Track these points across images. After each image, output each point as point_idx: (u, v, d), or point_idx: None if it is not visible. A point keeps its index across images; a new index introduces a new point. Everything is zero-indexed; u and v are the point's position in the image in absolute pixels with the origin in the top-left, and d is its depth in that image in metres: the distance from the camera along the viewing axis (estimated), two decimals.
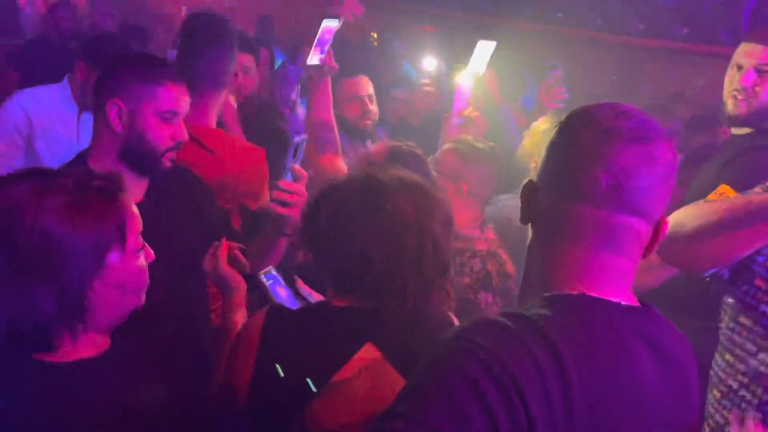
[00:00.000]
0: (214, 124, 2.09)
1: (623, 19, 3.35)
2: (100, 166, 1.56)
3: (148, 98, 1.54)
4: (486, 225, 2.13)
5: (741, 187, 1.70)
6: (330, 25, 2.22)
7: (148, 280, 1.20)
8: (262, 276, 1.50)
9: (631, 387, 0.84)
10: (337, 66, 2.32)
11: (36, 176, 1.08)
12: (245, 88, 2.70)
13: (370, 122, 2.83)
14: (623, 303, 0.89)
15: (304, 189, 1.57)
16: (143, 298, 1.20)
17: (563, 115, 0.99)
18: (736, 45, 2.05)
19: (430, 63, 3.59)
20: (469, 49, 2.86)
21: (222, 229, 1.81)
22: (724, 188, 1.78)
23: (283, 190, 1.57)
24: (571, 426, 0.79)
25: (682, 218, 1.37)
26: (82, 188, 1.08)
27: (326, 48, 2.25)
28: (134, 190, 1.58)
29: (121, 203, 1.13)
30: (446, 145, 2.19)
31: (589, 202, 0.88)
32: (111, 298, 1.13)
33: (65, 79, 2.74)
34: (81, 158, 1.64)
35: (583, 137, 0.90)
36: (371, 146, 2.06)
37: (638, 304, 0.92)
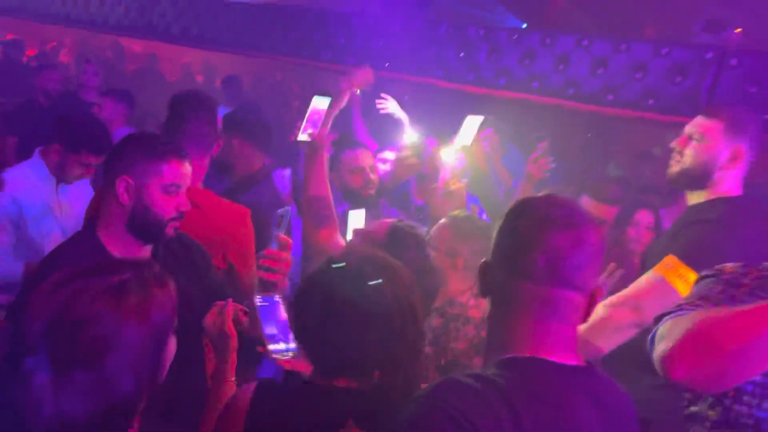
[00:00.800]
0: (200, 185, 2.28)
1: (594, 93, 3.59)
2: (108, 234, 1.70)
3: (154, 174, 1.72)
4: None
5: (686, 260, 1.87)
6: (320, 103, 2.38)
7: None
8: (259, 298, 1.59)
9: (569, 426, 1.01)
10: (328, 142, 2.48)
11: (99, 274, 1.19)
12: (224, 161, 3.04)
13: (372, 191, 3.00)
14: (568, 363, 1.08)
15: (288, 256, 1.72)
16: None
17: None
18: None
19: (410, 135, 3.81)
20: (450, 118, 3.07)
21: (220, 290, 1.94)
22: (670, 259, 1.94)
23: (268, 258, 1.72)
24: None
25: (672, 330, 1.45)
26: (143, 284, 1.20)
27: (318, 124, 2.40)
28: (134, 255, 1.74)
29: (172, 288, 1.26)
30: (441, 221, 2.34)
31: (531, 280, 1.09)
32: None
33: (37, 154, 2.88)
34: (91, 228, 1.77)
35: (523, 226, 1.10)
36: (372, 223, 2.18)
37: (583, 363, 1.11)
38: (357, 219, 2.56)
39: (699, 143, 2.14)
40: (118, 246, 1.77)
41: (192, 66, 10.12)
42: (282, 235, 1.75)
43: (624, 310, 1.97)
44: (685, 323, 1.28)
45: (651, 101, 3.40)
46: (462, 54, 4.12)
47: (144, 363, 1.15)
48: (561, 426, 1.02)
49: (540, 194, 1.24)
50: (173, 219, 1.78)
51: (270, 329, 1.57)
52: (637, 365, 1.80)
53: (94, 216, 1.81)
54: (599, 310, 2.03)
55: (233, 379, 1.61)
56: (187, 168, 1.78)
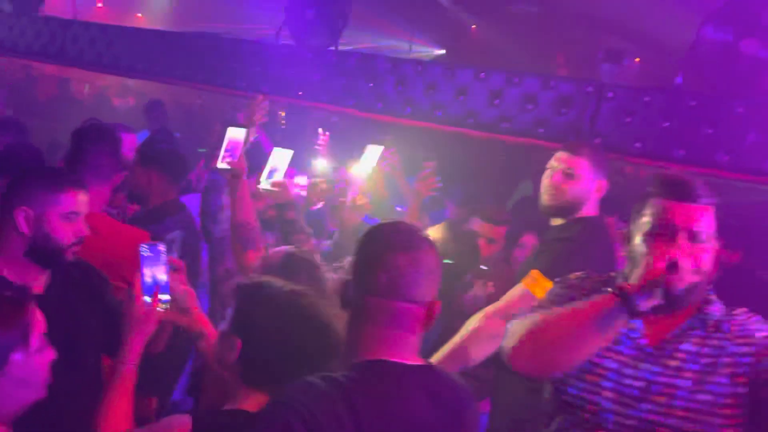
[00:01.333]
0: (98, 211, 2.38)
1: (491, 122, 3.85)
2: (5, 261, 1.77)
3: (52, 203, 1.81)
4: None
5: (547, 273, 2.13)
6: (236, 133, 2.52)
7: (48, 375, 1.41)
8: (144, 246, 1.69)
9: (411, 426, 1.19)
10: (246, 169, 2.60)
11: None
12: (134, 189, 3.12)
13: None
14: (407, 363, 1.27)
15: (183, 277, 1.85)
16: (44, 391, 1.41)
17: (454, 227, 1.47)
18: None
19: (321, 163, 3.99)
20: (355, 143, 3.26)
21: (119, 310, 2.02)
22: (534, 273, 2.21)
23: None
24: None
25: (515, 329, 1.69)
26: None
27: (237, 153, 2.53)
28: (37, 283, 1.82)
29: (26, 311, 1.35)
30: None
31: (376, 295, 1.27)
32: (13, 392, 1.33)
33: None
34: None
35: (370, 249, 1.29)
36: (270, 251, 2.31)
37: (423, 363, 1.31)
38: (373, 153, 2.80)
39: (574, 180, 2.43)
40: (15, 271, 1.83)
41: (110, 89, 9.98)
42: (173, 258, 1.86)
43: (496, 319, 2.21)
44: (526, 322, 1.51)
45: (541, 130, 3.69)
46: (371, 84, 4.32)
47: None
48: (396, 417, 1.20)
49: (387, 222, 1.45)
50: (72, 245, 1.87)
51: (148, 278, 1.64)
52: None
53: None
54: (475, 320, 2.25)
55: (134, 363, 1.64)
56: (84, 196, 1.88)
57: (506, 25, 9.01)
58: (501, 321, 2.19)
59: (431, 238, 3.03)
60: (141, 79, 5.88)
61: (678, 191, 1.57)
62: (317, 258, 2.25)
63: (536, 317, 1.55)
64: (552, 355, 1.47)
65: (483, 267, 3.01)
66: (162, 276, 1.70)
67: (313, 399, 1.17)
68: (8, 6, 6.31)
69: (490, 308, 2.28)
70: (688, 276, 1.47)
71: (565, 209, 2.44)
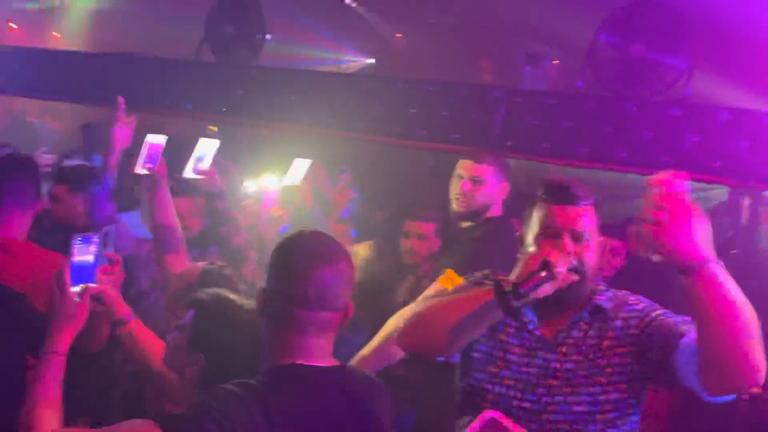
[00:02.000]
0: (20, 238, 2.41)
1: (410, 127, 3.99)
2: None
3: None
4: None
5: (458, 270, 2.28)
6: (155, 139, 2.57)
7: None
8: (78, 237, 1.67)
9: (324, 424, 1.29)
10: (165, 173, 2.65)
11: None
12: (54, 213, 3.09)
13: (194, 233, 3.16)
14: (321, 365, 1.37)
15: (119, 271, 1.90)
16: None
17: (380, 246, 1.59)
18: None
19: (249, 183, 4.04)
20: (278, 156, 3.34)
21: (40, 329, 2.04)
22: (449, 272, 2.36)
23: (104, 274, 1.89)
24: None
25: (407, 312, 1.83)
26: None
27: (156, 159, 2.58)
28: None
29: None
30: None
31: (298, 306, 1.35)
32: None
33: None
34: None
35: (295, 260, 1.37)
36: (188, 266, 2.37)
37: (336, 364, 1.40)
38: (300, 166, 2.83)
39: (481, 186, 2.60)
40: None
41: (30, 112, 9.65)
42: (109, 252, 1.92)
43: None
44: (417, 306, 1.65)
45: (456, 135, 3.86)
46: (292, 98, 4.42)
47: None
48: (309, 416, 1.29)
49: (308, 232, 1.51)
50: None
51: (78, 265, 1.65)
52: None
53: None
54: (393, 320, 2.38)
55: (62, 353, 1.58)
56: None
57: (428, 35, 9.25)
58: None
59: (359, 255, 3.18)
60: (60, 101, 5.77)
61: (560, 195, 1.73)
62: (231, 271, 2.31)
63: (426, 303, 1.69)
64: (433, 336, 1.60)
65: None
66: (91, 267, 1.69)
67: (229, 405, 1.22)
68: None
69: (406, 308, 2.40)
70: (562, 274, 1.62)
71: (475, 213, 2.62)
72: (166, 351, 1.74)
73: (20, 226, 2.46)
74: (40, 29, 9.45)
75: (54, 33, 9.59)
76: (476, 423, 1.27)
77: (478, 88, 3.80)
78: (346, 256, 1.46)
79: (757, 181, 3.23)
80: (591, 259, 1.73)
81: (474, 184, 2.62)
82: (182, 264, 2.51)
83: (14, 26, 9.83)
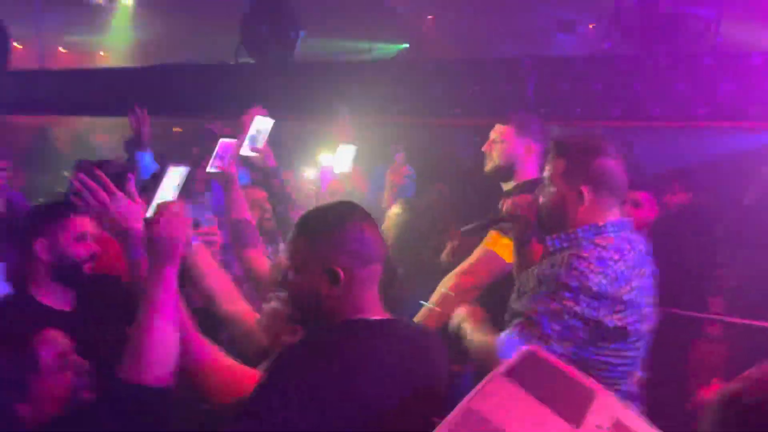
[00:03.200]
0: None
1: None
2: (39, 289, 2.06)
3: (62, 229, 2.09)
4: None
5: (503, 233, 2.40)
6: (227, 141, 2.74)
7: (69, 390, 1.61)
8: (174, 168, 1.71)
9: (393, 373, 1.40)
10: (235, 173, 2.82)
11: None
12: None
13: (272, 223, 3.32)
14: (385, 317, 1.48)
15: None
16: (64, 405, 1.60)
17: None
18: None
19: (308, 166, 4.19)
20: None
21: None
22: (493, 233, 2.46)
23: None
24: (354, 398, 1.33)
25: None
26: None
27: (226, 159, 2.74)
28: (64, 301, 2.10)
29: (35, 340, 1.59)
30: None
31: (356, 264, 1.44)
32: (37, 408, 1.55)
33: None
34: (21, 287, 2.11)
35: (328, 224, 1.48)
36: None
37: (387, 317, 1.51)
38: (346, 153, 2.96)
39: (500, 145, 2.67)
40: (46, 293, 2.12)
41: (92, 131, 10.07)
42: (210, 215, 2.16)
43: (465, 276, 2.46)
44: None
45: (488, 109, 3.95)
46: (331, 89, 4.58)
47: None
48: (381, 365, 1.40)
49: (335, 203, 1.62)
50: (86, 260, 2.15)
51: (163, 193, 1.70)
52: None
53: (20, 277, 2.15)
54: (450, 278, 2.50)
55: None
56: (87, 219, 2.16)
57: (457, 13, 9.26)
58: (469, 277, 2.46)
59: (394, 212, 3.29)
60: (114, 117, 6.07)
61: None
62: None
63: None
64: None
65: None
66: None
67: (302, 365, 1.33)
68: None
69: (458, 268, 2.52)
70: None
71: (500, 171, 2.67)
72: (263, 316, 1.88)
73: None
74: (86, 49, 9.88)
75: (100, 53, 10.03)
76: (513, 359, 1.36)
77: (508, 61, 3.86)
78: (368, 214, 1.56)
79: None
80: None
81: (494, 143, 2.69)
82: (260, 257, 2.62)
83: (62, 50, 10.30)
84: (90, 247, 2.16)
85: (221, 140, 2.72)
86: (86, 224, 2.17)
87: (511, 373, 1.33)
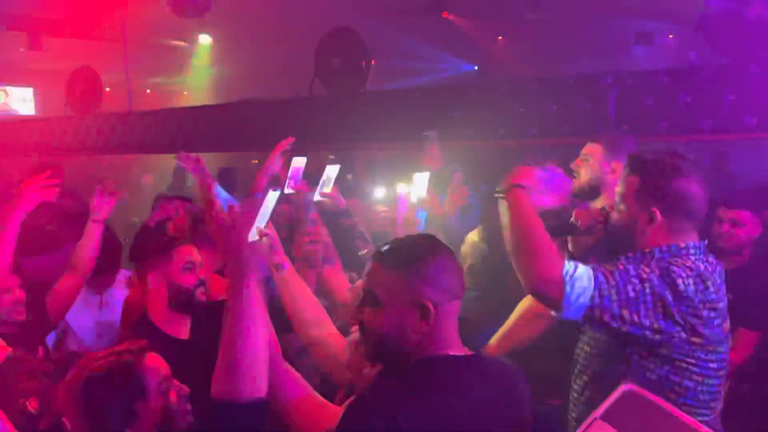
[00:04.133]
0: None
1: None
2: (158, 317, 2.16)
3: (168, 261, 2.20)
4: None
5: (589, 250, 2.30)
6: (298, 161, 2.82)
7: (177, 414, 1.64)
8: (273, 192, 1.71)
9: (473, 410, 1.35)
10: (309, 190, 2.87)
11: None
12: None
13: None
14: (463, 354, 1.43)
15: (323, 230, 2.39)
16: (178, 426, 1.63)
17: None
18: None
19: (380, 191, 4.21)
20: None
21: None
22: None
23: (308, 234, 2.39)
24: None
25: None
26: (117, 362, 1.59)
27: (299, 178, 2.82)
28: (182, 329, 2.21)
29: (140, 368, 1.61)
30: None
31: (447, 298, 1.43)
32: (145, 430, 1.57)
33: None
34: (144, 317, 2.23)
35: (428, 258, 1.44)
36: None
37: (471, 353, 1.46)
38: (422, 180, 2.99)
39: (588, 164, 2.60)
40: (167, 324, 2.25)
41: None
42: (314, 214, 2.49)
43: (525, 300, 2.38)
44: None
45: (567, 127, 3.83)
46: (403, 117, 4.58)
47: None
48: (462, 399, 1.36)
49: (420, 235, 1.61)
50: (197, 286, 2.25)
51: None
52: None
53: (140, 308, 2.30)
54: (523, 303, 2.42)
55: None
56: (192, 249, 2.27)
57: (527, 33, 9.15)
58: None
59: (470, 240, 3.23)
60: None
61: None
62: None
63: None
64: None
65: None
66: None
67: (391, 400, 1.30)
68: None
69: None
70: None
71: (585, 190, 2.59)
72: (348, 350, 1.87)
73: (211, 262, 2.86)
74: (172, 89, 10.41)
75: (184, 92, 10.54)
76: (613, 396, 1.29)
77: (586, 77, 3.74)
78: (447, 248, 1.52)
79: None
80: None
81: (582, 161, 2.63)
82: (339, 274, 2.65)
83: (149, 92, 10.90)
84: (197, 275, 2.26)
85: (294, 159, 2.79)
86: (192, 253, 2.28)
87: (611, 416, 1.25)
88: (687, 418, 1.32)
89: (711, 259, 1.81)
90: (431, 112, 4.40)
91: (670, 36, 10.25)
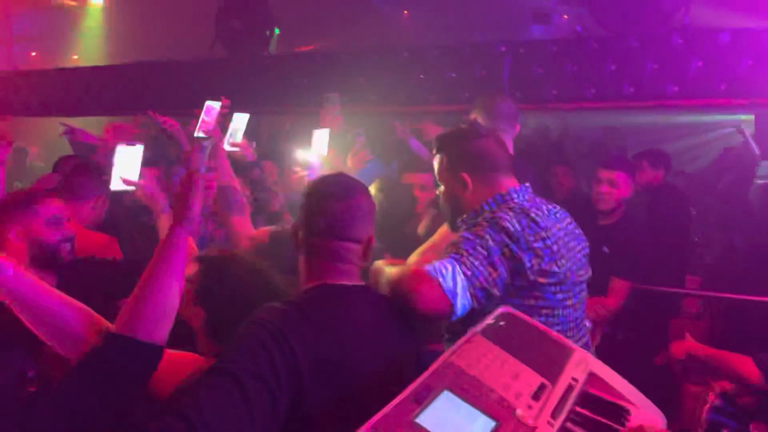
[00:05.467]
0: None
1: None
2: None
3: (32, 215, 2.07)
4: None
5: None
6: (213, 105, 2.74)
7: None
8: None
9: (356, 330, 1.44)
10: (221, 136, 2.80)
11: None
12: None
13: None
14: (349, 283, 1.51)
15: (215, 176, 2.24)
16: None
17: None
18: None
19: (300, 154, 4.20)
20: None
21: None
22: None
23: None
24: (324, 357, 1.36)
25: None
26: None
27: (212, 124, 2.74)
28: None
29: None
30: None
31: (319, 236, 1.51)
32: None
33: None
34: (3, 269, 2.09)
35: (313, 198, 1.54)
36: (258, 230, 2.53)
37: (362, 284, 1.55)
38: (322, 137, 2.98)
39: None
40: None
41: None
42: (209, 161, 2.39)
43: (426, 255, 2.47)
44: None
45: (467, 94, 3.98)
46: (306, 81, 4.58)
47: None
48: (345, 324, 1.44)
49: (330, 174, 1.67)
50: (61, 242, 2.12)
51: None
52: None
53: None
54: (413, 257, 2.51)
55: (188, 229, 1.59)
56: (57, 202, 2.14)
57: (432, 8, 9.28)
58: (432, 255, 2.46)
59: (371, 192, 3.30)
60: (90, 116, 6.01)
61: None
62: None
63: None
64: None
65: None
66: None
67: (279, 318, 1.39)
68: None
69: (421, 247, 2.52)
70: None
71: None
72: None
73: (83, 214, 2.77)
74: (59, 55, 9.77)
75: (74, 57, 9.91)
76: (491, 315, 1.39)
77: (483, 46, 3.89)
78: (361, 193, 1.59)
79: (759, 98, 3.28)
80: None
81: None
82: (247, 225, 2.61)
83: (34, 54, 10.17)
84: (65, 229, 2.14)
85: (207, 104, 2.72)
86: (57, 207, 2.15)
87: (489, 332, 1.36)
88: (560, 337, 1.46)
89: (536, 197, 1.95)
90: (334, 78, 4.43)
91: (565, 17, 10.72)
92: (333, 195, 1.57)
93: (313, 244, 1.55)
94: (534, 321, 1.48)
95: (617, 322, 3.35)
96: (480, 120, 2.69)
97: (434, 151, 2.00)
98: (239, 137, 2.91)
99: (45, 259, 2.11)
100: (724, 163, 5.71)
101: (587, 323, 2.02)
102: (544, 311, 1.81)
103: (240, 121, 2.88)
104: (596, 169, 3.30)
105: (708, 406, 2.13)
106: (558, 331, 1.82)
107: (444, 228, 2.50)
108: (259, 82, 4.80)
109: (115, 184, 2.46)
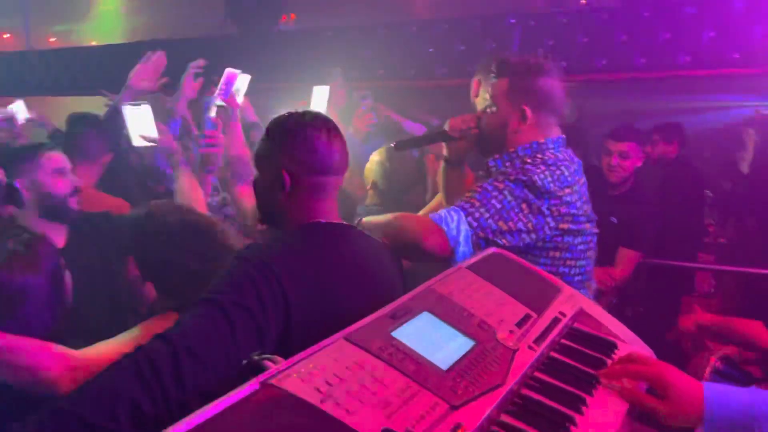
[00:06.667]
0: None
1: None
2: (31, 225, 2.06)
3: (37, 168, 2.10)
4: None
5: None
6: (232, 72, 2.75)
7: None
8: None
9: (345, 263, 1.41)
10: (238, 106, 2.82)
11: None
12: None
13: None
14: (335, 222, 1.48)
15: (221, 134, 2.35)
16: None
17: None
18: None
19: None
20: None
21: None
22: None
23: (207, 137, 2.33)
24: (316, 294, 1.32)
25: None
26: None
27: (230, 92, 2.76)
28: (57, 238, 2.11)
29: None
30: None
31: (308, 173, 1.44)
32: None
33: None
34: (12, 220, 2.12)
35: (295, 134, 1.49)
36: None
37: (346, 224, 1.52)
38: (321, 94, 2.97)
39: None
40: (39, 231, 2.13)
41: None
42: (215, 118, 2.37)
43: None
44: None
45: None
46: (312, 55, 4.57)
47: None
48: (334, 259, 1.41)
49: (304, 112, 1.62)
50: (70, 194, 2.16)
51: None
52: None
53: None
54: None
55: None
56: (59, 155, 2.17)
57: None
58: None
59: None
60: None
61: None
62: None
63: None
64: None
65: None
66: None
67: (269, 254, 1.35)
68: None
69: (422, 211, 2.50)
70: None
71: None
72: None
73: (91, 174, 2.79)
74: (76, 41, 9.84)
75: (92, 42, 9.99)
76: (478, 257, 1.36)
77: (492, 18, 3.85)
78: (339, 134, 1.56)
79: None
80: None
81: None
82: (251, 194, 2.62)
83: (7, 36, 10.22)
84: (70, 181, 2.17)
85: (227, 71, 2.73)
86: (61, 159, 2.18)
87: (476, 267, 1.34)
88: (551, 277, 1.43)
89: (569, 152, 1.92)
90: (344, 52, 4.41)
91: None
92: (313, 124, 1.50)
93: (298, 181, 1.47)
94: (524, 261, 1.46)
95: (627, 298, 3.31)
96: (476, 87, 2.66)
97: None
98: (240, 97, 2.92)
99: (54, 211, 2.14)
100: (744, 146, 5.60)
101: (593, 283, 2.00)
102: (569, 262, 1.81)
103: (241, 80, 2.90)
104: (605, 140, 3.24)
105: (709, 369, 2.08)
106: (579, 281, 1.83)
107: (440, 196, 2.47)
108: (267, 57, 4.79)
109: (137, 141, 2.54)
